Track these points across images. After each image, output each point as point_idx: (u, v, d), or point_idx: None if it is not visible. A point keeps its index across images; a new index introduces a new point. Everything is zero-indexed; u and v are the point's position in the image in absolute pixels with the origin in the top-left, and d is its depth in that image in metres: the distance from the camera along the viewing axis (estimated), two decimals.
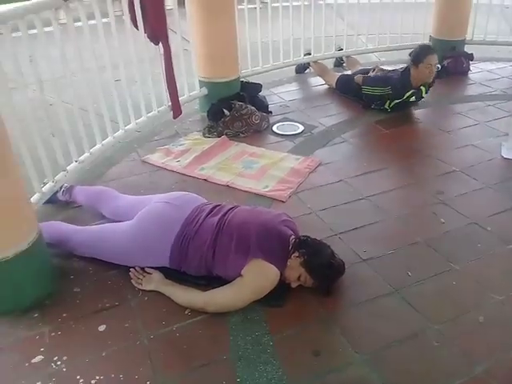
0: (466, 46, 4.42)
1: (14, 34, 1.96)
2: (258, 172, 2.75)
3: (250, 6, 3.63)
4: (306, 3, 3.96)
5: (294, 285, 1.86)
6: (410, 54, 3.44)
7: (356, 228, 2.28)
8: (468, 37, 4.46)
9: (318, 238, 1.96)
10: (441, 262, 2.06)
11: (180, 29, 3.15)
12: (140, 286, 1.91)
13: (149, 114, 3.03)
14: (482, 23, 4.41)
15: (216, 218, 1.92)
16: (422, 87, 3.38)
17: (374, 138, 3.22)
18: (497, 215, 2.34)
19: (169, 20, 2.92)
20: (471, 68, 4.25)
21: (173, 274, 1.93)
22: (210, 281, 1.90)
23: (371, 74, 3.64)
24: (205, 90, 3.42)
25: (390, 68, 3.89)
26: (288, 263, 1.83)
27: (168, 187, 2.54)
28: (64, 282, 1.96)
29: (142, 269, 1.95)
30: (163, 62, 2.95)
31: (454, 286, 1.94)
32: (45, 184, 2.29)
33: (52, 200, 2.37)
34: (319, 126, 3.34)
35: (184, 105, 3.28)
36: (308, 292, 1.89)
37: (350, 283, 1.95)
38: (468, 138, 3.09)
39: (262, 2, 3.79)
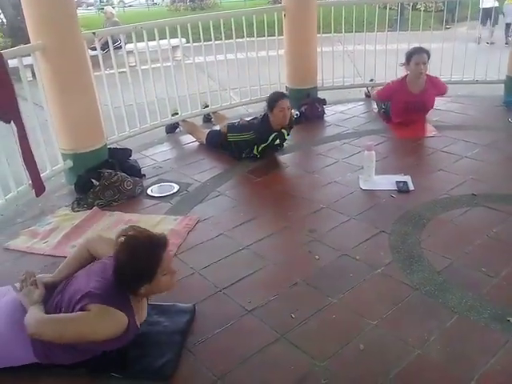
0: (318, 92, 4.88)
1: None
2: None
3: (108, 72, 3.63)
4: (166, 64, 4.08)
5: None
6: (266, 101, 3.71)
7: (239, 280, 2.30)
8: (319, 83, 4.94)
9: (202, 297, 2.04)
10: (320, 298, 2.15)
11: (32, 100, 3.03)
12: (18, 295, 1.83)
13: (7, 196, 2.82)
14: (330, 70, 4.91)
15: (57, 298, 1.82)
16: (283, 130, 3.63)
17: (247, 187, 3.34)
18: (363, 243, 2.54)
19: (19, 92, 2.80)
20: (326, 111, 4.67)
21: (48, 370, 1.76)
22: (89, 370, 1.77)
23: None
24: (70, 163, 3.29)
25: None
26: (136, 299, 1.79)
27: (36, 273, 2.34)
28: None
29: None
30: (17, 140, 2.79)
31: (334, 319, 2.03)
32: None
33: None
34: (194, 182, 3.38)
35: (48, 180, 3.11)
36: (195, 357, 1.85)
37: (238, 338, 1.95)
38: (330, 176, 3.35)
39: (120, 66, 3.82)
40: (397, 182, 3.15)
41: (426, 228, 2.65)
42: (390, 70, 4.85)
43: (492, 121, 4.28)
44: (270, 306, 2.13)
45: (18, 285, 1.88)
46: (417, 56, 3.93)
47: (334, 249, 2.50)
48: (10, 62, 2.78)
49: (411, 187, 3.10)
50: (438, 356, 1.82)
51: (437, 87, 4.13)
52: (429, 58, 3.98)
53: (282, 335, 1.95)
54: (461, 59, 4.93)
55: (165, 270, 1.74)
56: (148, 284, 1.72)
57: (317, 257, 2.45)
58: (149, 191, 3.26)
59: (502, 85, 4.80)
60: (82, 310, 1.68)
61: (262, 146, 3.59)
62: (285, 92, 3.65)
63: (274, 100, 3.56)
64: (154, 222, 2.86)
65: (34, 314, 1.72)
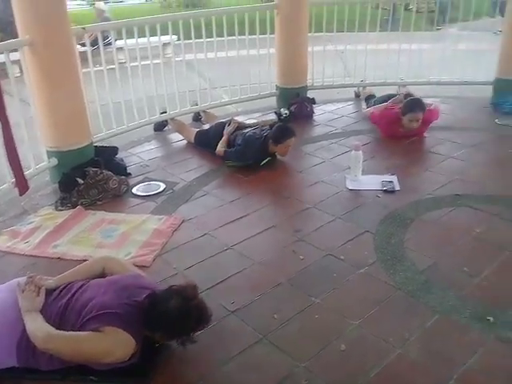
0: (308, 91, 4.88)
1: None
2: (119, 239, 2.65)
3: (96, 69, 3.60)
4: (156, 61, 4.04)
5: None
6: (270, 126, 3.60)
7: (222, 280, 2.30)
8: (309, 83, 4.93)
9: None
10: (303, 298, 2.15)
11: (18, 96, 3.00)
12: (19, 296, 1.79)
13: None
14: (320, 69, 4.91)
15: (63, 301, 1.78)
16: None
17: (234, 186, 3.33)
18: (347, 243, 2.54)
19: (5, 88, 2.77)
20: (315, 110, 4.66)
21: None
22: (66, 374, 1.75)
23: (227, 132, 3.68)
24: (54, 161, 3.25)
25: (245, 120, 4.08)
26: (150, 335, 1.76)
27: (15, 274, 2.30)
28: None
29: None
30: (1, 136, 2.76)
31: (316, 319, 2.03)
32: None
33: None
34: (181, 181, 3.36)
35: (32, 178, 3.08)
36: (177, 359, 1.83)
37: (220, 339, 1.94)
38: (317, 176, 3.35)
39: (109, 63, 3.78)
40: (383, 181, 3.15)
41: (409, 228, 2.66)
42: (379, 71, 4.86)
43: (479, 122, 4.30)
44: (253, 306, 2.12)
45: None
46: (412, 114, 3.78)
47: (319, 248, 2.50)
48: None
49: (397, 187, 3.11)
50: (418, 355, 1.83)
51: (429, 121, 3.94)
52: (424, 112, 3.81)
53: (264, 336, 1.94)
54: (450, 60, 4.95)
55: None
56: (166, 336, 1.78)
57: (301, 257, 2.45)
58: (134, 190, 3.24)
59: (491, 86, 4.82)
60: (97, 329, 1.66)
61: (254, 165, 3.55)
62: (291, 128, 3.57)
63: (283, 137, 3.45)
64: (139, 221, 2.84)
65: (41, 326, 1.68)
